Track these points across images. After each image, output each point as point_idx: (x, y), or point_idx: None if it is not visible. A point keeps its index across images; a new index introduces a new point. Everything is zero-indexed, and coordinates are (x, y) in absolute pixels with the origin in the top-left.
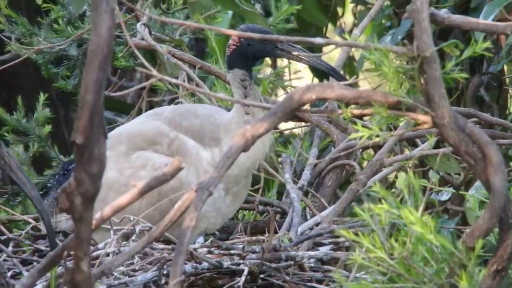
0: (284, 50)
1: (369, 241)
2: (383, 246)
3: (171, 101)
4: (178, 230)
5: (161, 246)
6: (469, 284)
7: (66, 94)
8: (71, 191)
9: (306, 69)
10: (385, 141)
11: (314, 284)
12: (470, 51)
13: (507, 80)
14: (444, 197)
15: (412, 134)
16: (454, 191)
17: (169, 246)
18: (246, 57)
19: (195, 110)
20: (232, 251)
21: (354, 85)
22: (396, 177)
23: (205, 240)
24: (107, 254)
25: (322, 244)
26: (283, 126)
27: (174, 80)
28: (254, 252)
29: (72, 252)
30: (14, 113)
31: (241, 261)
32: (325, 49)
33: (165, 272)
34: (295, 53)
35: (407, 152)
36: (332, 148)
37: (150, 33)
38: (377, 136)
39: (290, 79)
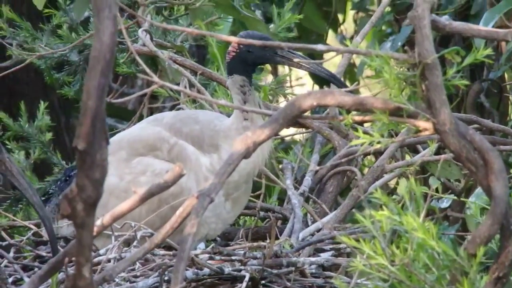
0: (284, 57)
1: (370, 248)
2: (384, 253)
3: (172, 108)
4: (179, 236)
5: (162, 252)
6: None
7: (67, 101)
8: (73, 197)
9: (307, 76)
10: (386, 147)
11: None
12: (471, 58)
13: (508, 86)
14: (445, 204)
15: (413, 140)
16: (455, 197)
17: (171, 252)
18: (246, 63)
19: (196, 116)
20: (233, 257)
21: (355, 91)
22: (397, 183)
23: (207, 246)
24: (109, 260)
25: (323, 250)
26: (284, 132)
27: (175, 87)
28: (255, 258)
29: (73, 258)
30: (17, 118)
31: (242, 267)
32: (326, 56)
33: (166, 278)
34: (295, 60)
35: (408, 158)
36: (333, 154)
37: (151, 39)
38: (378, 142)
39: (292, 86)
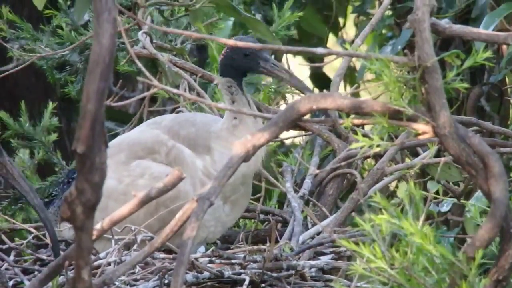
0: (265, 68)
1: (370, 251)
2: (384, 256)
3: (173, 111)
4: (178, 239)
5: (162, 255)
6: None
7: (68, 104)
8: (72, 200)
9: (308, 79)
10: (386, 150)
11: None
12: (471, 61)
13: (508, 90)
14: (445, 208)
15: (413, 143)
16: (455, 200)
17: (170, 256)
18: (232, 67)
19: (193, 119)
20: (233, 261)
21: (355, 94)
22: (397, 187)
23: (207, 250)
24: (109, 264)
25: (323, 254)
26: (285, 135)
27: (175, 90)
28: (255, 261)
29: (73, 262)
30: (18, 121)
31: (242, 270)
32: (326, 59)
33: (166, 281)
34: (276, 72)
35: (408, 161)
36: (333, 157)
37: (151, 41)
38: (378, 146)
39: (292, 89)
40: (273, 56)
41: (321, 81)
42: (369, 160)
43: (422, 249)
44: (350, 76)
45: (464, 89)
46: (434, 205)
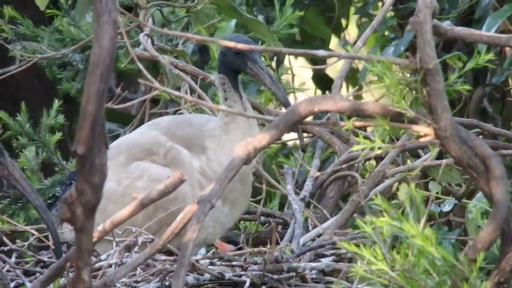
0: (252, 70)
1: (371, 253)
2: (385, 258)
3: (174, 113)
4: (177, 241)
5: (163, 257)
6: None
7: (70, 105)
8: (72, 201)
9: (311, 81)
10: (387, 152)
11: None
12: (473, 63)
13: (511, 91)
14: (446, 208)
15: (414, 145)
16: (456, 201)
17: (171, 258)
18: (225, 65)
19: (190, 119)
20: (234, 263)
21: (358, 96)
22: (398, 189)
23: (207, 252)
24: (110, 266)
25: (324, 256)
26: (286, 137)
27: (176, 93)
28: (256, 263)
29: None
30: (18, 118)
31: (243, 272)
32: (328, 61)
33: (167, 283)
34: (260, 75)
35: (409, 163)
36: (335, 159)
37: (152, 43)
38: (379, 148)
39: (294, 91)
40: (275, 58)
41: (324, 82)
42: (370, 162)
43: (423, 251)
44: (353, 77)
45: (467, 91)
46: (435, 205)
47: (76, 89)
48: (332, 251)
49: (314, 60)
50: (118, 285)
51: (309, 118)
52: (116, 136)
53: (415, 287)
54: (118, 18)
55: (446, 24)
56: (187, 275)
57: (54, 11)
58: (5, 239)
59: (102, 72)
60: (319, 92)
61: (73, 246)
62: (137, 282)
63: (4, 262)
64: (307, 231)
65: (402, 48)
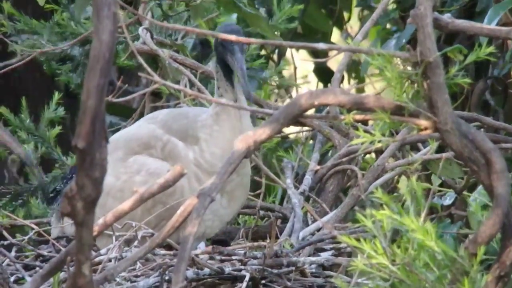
0: (230, 62)
1: (371, 247)
2: (385, 252)
3: (175, 107)
4: (175, 235)
5: (163, 251)
6: None
7: (72, 99)
8: (73, 195)
9: (312, 74)
10: (387, 146)
11: None
12: (473, 56)
13: None
14: (447, 201)
15: (414, 138)
16: (456, 195)
17: (171, 252)
18: (217, 55)
19: (187, 111)
20: (233, 257)
21: (360, 90)
22: (398, 181)
23: (207, 246)
24: (109, 260)
25: (324, 250)
26: (287, 130)
27: (176, 86)
28: (255, 258)
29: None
30: (19, 113)
31: (242, 267)
32: (330, 54)
33: (167, 278)
34: (235, 66)
35: (409, 157)
36: (334, 153)
37: (152, 37)
38: (379, 141)
39: (297, 84)
40: (276, 51)
41: (325, 75)
42: (370, 155)
43: (423, 245)
44: (356, 70)
45: (468, 84)
46: (437, 197)
47: (75, 83)
48: (331, 246)
49: (315, 53)
50: (117, 279)
51: (310, 112)
52: (118, 130)
53: (415, 281)
54: (117, 12)
55: (447, 17)
56: (187, 269)
57: (53, 5)
58: (5, 233)
59: (102, 66)
60: (320, 85)
61: (73, 240)
62: (136, 276)
63: (4, 256)
64: (307, 225)
65: (404, 41)
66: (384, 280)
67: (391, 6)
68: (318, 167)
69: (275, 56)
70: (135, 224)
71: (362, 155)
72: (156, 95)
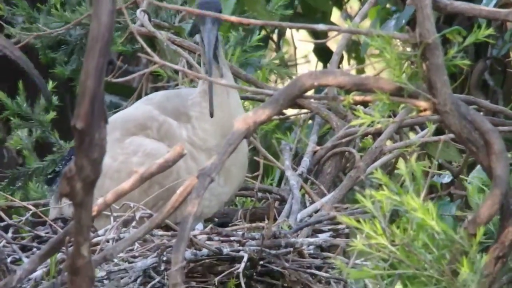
0: (201, 33)
1: (370, 227)
2: (385, 233)
3: (175, 87)
4: (173, 216)
5: (160, 232)
6: (470, 271)
7: (73, 80)
8: (72, 176)
9: (312, 54)
10: (386, 127)
11: (313, 271)
12: (472, 38)
13: None
14: (446, 179)
15: (412, 121)
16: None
17: (169, 233)
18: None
19: (180, 92)
20: (232, 238)
21: (360, 71)
22: (395, 164)
23: (205, 227)
24: (107, 241)
25: (322, 231)
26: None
27: (176, 66)
28: (253, 239)
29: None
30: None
31: (241, 248)
32: (329, 34)
33: (164, 258)
34: (202, 41)
35: (406, 139)
36: (332, 135)
37: (149, 19)
38: (378, 123)
39: (297, 64)
40: (276, 31)
41: (325, 55)
42: (367, 138)
43: (422, 225)
44: (356, 50)
45: (468, 65)
46: (436, 176)
47: (70, 70)
48: (329, 227)
49: (315, 33)
50: (115, 260)
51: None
52: (118, 110)
53: (414, 261)
54: None
55: None
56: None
57: None
58: (1, 214)
59: (101, 47)
60: (320, 65)
61: (71, 220)
62: (134, 257)
63: (1, 237)
64: (304, 207)
65: (403, 21)
66: (384, 261)
67: None
68: (318, 147)
69: (274, 36)
70: (133, 205)
71: (360, 137)
72: (158, 76)
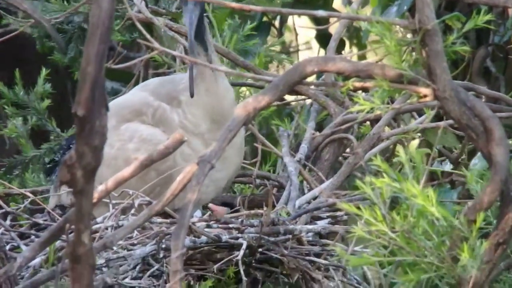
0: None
1: (370, 214)
2: (385, 219)
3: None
4: (171, 203)
5: (159, 220)
6: (470, 257)
7: (69, 68)
8: (72, 163)
9: (314, 40)
10: (386, 114)
11: (312, 258)
12: (471, 24)
13: None
14: (447, 167)
15: (410, 107)
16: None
17: (168, 220)
18: None
19: (174, 77)
20: (230, 225)
21: (362, 57)
22: (394, 151)
23: (203, 214)
24: (106, 228)
25: (320, 218)
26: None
27: (175, 53)
28: (252, 226)
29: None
30: (22, 85)
31: (239, 235)
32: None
33: (163, 246)
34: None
35: (405, 126)
36: (330, 122)
37: (146, 6)
38: (378, 109)
39: (299, 50)
40: (278, 17)
41: (327, 41)
42: (365, 125)
43: (423, 211)
44: (357, 37)
45: (469, 51)
46: (437, 163)
47: (68, 58)
48: (328, 214)
49: (317, 19)
50: (114, 248)
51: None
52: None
53: (414, 248)
54: None
55: None
56: None
57: None
58: (0, 202)
59: (102, 33)
60: (322, 51)
61: (70, 208)
62: (133, 244)
63: None
64: (303, 194)
65: (405, 8)
66: (384, 247)
67: None
68: (317, 133)
69: (276, 23)
70: (132, 192)
71: (358, 124)
72: (158, 62)
